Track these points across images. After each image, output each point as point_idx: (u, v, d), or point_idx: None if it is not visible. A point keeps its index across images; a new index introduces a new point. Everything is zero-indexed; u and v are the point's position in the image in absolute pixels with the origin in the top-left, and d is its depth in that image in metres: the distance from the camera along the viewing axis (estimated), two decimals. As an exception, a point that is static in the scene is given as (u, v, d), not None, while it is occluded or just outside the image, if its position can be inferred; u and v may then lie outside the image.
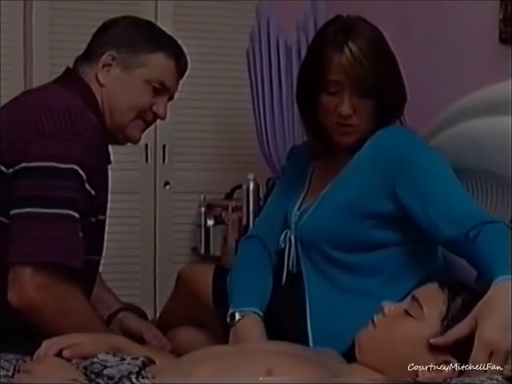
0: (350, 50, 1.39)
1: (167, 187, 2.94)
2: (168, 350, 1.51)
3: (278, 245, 1.58)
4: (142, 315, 1.82)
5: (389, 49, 1.47)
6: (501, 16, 1.66)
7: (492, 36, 1.70)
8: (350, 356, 1.24)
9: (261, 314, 1.45)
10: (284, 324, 1.48)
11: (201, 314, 1.68)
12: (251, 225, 2.34)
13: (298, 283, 1.52)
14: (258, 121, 2.36)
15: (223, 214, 2.71)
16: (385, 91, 1.42)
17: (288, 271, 1.54)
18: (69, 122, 1.37)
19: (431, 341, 1.08)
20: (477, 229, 1.23)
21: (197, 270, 1.78)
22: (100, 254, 1.51)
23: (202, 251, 2.77)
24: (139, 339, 1.50)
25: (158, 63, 1.52)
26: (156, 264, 2.92)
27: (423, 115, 1.67)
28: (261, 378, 1.02)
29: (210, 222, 2.72)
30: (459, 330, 1.06)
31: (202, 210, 2.75)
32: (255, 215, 2.34)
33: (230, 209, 2.57)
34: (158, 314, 2.45)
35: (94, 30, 1.59)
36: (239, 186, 2.80)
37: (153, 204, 2.93)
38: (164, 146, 2.89)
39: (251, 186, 2.41)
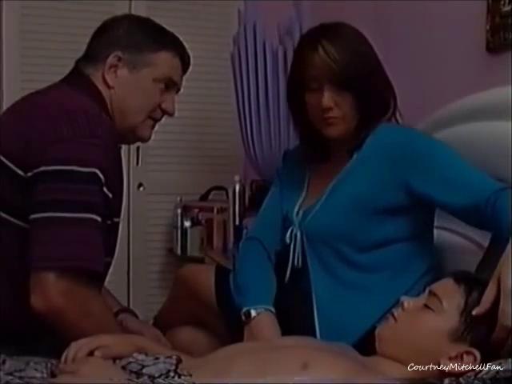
0: (323, 47, 1.45)
1: (141, 189, 2.94)
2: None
3: (277, 245, 1.61)
4: (135, 317, 1.82)
5: (368, 47, 1.53)
6: (488, 26, 1.73)
7: (479, 46, 1.77)
8: (358, 350, 1.27)
9: (273, 311, 1.48)
10: (290, 320, 1.51)
11: (201, 314, 1.69)
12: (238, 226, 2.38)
13: (301, 280, 1.55)
14: (243, 124, 2.37)
15: (200, 215, 2.72)
16: (364, 85, 1.47)
17: (292, 267, 1.57)
18: (86, 124, 1.35)
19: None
20: (496, 194, 1.29)
21: (197, 270, 1.80)
22: (112, 256, 1.50)
23: (179, 252, 2.78)
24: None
25: (164, 61, 1.52)
26: (130, 265, 2.91)
27: (409, 122, 1.73)
28: None
29: (187, 224, 2.73)
30: (489, 294, 1.09)
31: (179, 211, 2.76)
32: (241, 217, 2.37)
33: (215, 210, 2.59)
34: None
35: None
36: (215, 188, 2.83)
37: (126, 206, 2.91)
38: (138, 148, 2.88)
39: (237, 187, 2.43)
